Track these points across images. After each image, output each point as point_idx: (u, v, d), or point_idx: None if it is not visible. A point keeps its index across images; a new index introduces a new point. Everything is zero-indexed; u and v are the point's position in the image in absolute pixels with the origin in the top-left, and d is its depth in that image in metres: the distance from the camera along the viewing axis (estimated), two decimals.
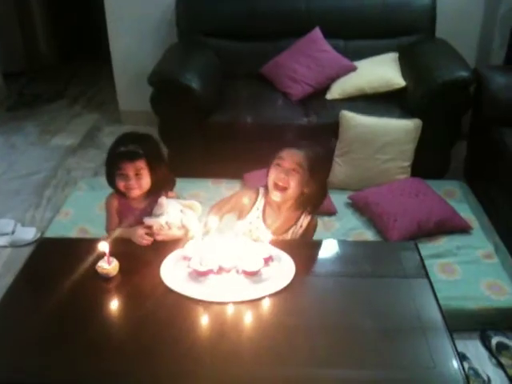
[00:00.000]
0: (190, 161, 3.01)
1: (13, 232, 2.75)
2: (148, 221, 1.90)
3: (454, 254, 2.37)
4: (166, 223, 1.89)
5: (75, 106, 4.39)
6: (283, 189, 1.86)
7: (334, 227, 2.56)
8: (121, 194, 1.94)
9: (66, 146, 3.71)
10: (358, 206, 2.67)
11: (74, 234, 2.54)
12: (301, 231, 1.97)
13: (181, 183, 2.85)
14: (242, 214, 1.97)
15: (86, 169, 3.38)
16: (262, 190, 1.98)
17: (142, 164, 1.86)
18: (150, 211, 1.93)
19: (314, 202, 1.94)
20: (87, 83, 4.79)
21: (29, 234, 2.74)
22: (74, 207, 2.74)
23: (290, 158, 1.85)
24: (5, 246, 2.68)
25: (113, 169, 1.88)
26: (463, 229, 2.51)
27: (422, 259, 1.81)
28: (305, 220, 1.97)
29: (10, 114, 4.21)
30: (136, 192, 1.90)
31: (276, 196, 1.88)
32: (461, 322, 2.08)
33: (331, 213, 2.64)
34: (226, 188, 2.88)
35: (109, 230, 2.00)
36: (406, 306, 1.61)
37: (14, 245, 2.68)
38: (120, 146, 1.88)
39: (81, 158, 3.54)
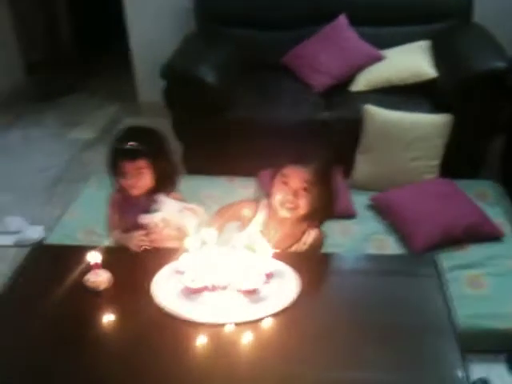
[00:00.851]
0: (204, 157, 2.88)
1: (20, 230, 2.67)
2: (144, 218, 1.80)
3: (484, 265, 2.15)
4: (163, 220, 1.79)
5: (96, 97, 4.30)
6: (293, 208, 1.69)
7: (352, 231, 2.38)
8: (123, 191, 1.84)
9: (83, 139, 3.63)
10: (380, 209, 2.48)
11: (80, 235, 2.43)
12: (305, 248, 1.79)
13: (194, 181, 2.75)
14: (243, 224, 1.82)
15: (102, 163, 3.26)
16: (263, 201, 1.81)
17: (143, 163, 1.76)
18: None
19: (321, 214, 1.76)
20: (108, 73, 4.68)
21: (36, 232, 2.67)
22: (83, 206, 2.64)
23: (297, 177, 1.66)
24: (11, 246, 2.61)
25: (113, 166, 1.79)
26: (495, 236, 2.28)
27: (441, 279, 1.61)
28: (310, 237, 1.79)
29: (30, 106, 4.15)
30: (136, 191, 1.80)
31: (285, 213, 1.71)
32: (486, 343, 1.90)
33: (350, 215, 2.45)
34: (240, 186, 2.72)
35: (110, 228, 1.91)
36: (420, 335, 1.43)
37: (20, 244, 2.61)
38: (121, 142, 1.78)
39: (97, 151, 3.44)
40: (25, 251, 2.47)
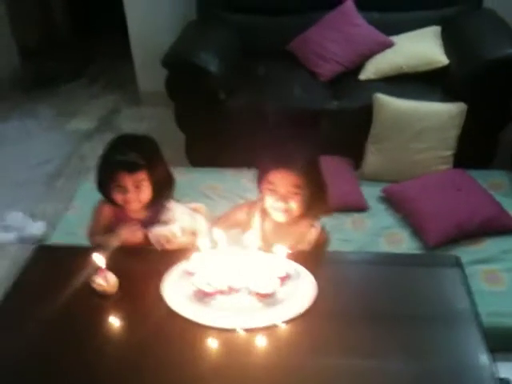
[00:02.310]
0: (207, 148, 2.81)
1: (22, 227, 2.59)
2: (158, 231, 1.69)
3: (501, 260, 2.09)
4: (181, 229, 1.69)
5: (94, 85, 4.20)
6: (285, 212, 1.60)
7: (364, 226, 2.31)
8: (115, 205, 1.71)
9: (82, 130, 3.53)
10: (392, 201, 2.41)
11: (83, 231, 2.35)
12: (308, 247, 1.70)
13: (198, 173, 2.68)
14: (242, 229, 1.74)
15: None
16: (259, 205, 1.71)
17: (142, 175, 1.63)
18: (149, 221, 1.72)
19: (316, 210, 1.66)
20: (108, 61, 4.58)
21: (38, 229, 2.59)
22: (84, 201, 2.54)
23: (283, 183, 1.56)
24: (13, 243, 2.54)
25: (108, 179, 1.65)
26: (511, 229, 2.22)
27: (465, 277, 1.54)
28: (311, 235, 1.70)
29: (25, 96, 4.04)
30: (135, 205, 1.68)
31: (279, 217, 1.62)
32: (505, 342, 1.83)
33: (362, 208, 2.38)
34: (246, 179, 2.64)
35: (90, 233, 1.81)
36: (445, 345, 1.35)
37: (22, 241, 2.54)
38: (117, 153, 1.64)
39: (97, 143, 3.34)
40: (27, 248, 2.43)
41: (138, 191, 1.64)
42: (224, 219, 1.78)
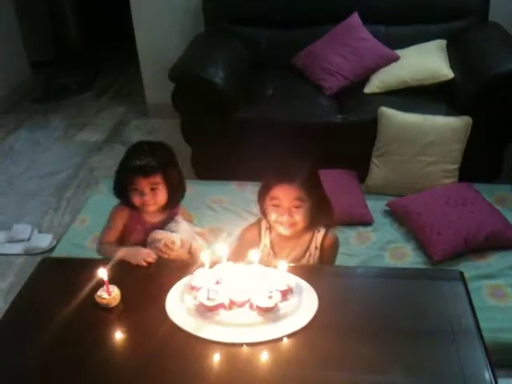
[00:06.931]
0: (213, 161, 2.83)
1: (29, 238, 2.62)
2: (160, 233, 1.77)
3: (507, 275, 2.09)
4: (181, 240, 1.77)
5: (103, 97, 4.24)
6: (290, 226, 1.65)
7: (369, 239, 2.31)
8: (133, 208, 1.80)
9: (90, 142, 3.56)
10: (397, 215, 2.41)
11: (89, 243, 2.38)
12: (317, 253, 1.73)
13: (204, 186, 2.70)
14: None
15: (110, 167, 3.19)
16: (264, 223, 1.76)
17: (157, 179, 1.73)
18: (162, 227, 1.82)
19: (322, 219, 1.71)
20: (116, 73, 4.62)
21: (45, 241, 2.60)
22: (92, 213, 2.58)
23: (287, 197, 1.61)
24: (19, 254, 2.55)
25: (126, 184, 1.75)
26: None
27: (468, 293, 1.54)
28: (318, 239, 1.73)
29: (36, 107, 4.08)
30: (152, 207, 1.78)
31: (285, 230, 1.67)
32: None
33: (367, 222, 2.39)
34: (251, 192, 2.64)
35: (103, 240, 1.83)
36: (446, 360, 1.35)
37: (29, 252, 2.56)
38: (133, 159, 1.74)
39: (105, 155, 3.38)
40: (33, 260, 2.46)
41: (154, 194, 1.74)
42: (237, 249, 1.79)
